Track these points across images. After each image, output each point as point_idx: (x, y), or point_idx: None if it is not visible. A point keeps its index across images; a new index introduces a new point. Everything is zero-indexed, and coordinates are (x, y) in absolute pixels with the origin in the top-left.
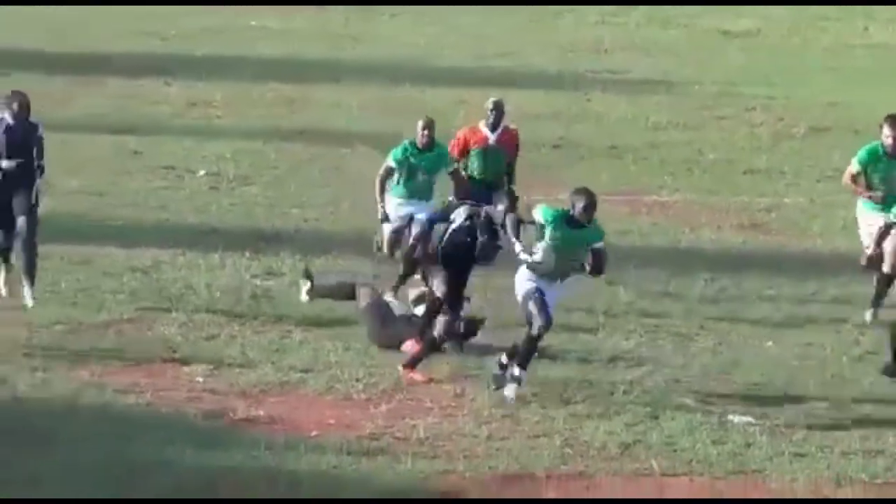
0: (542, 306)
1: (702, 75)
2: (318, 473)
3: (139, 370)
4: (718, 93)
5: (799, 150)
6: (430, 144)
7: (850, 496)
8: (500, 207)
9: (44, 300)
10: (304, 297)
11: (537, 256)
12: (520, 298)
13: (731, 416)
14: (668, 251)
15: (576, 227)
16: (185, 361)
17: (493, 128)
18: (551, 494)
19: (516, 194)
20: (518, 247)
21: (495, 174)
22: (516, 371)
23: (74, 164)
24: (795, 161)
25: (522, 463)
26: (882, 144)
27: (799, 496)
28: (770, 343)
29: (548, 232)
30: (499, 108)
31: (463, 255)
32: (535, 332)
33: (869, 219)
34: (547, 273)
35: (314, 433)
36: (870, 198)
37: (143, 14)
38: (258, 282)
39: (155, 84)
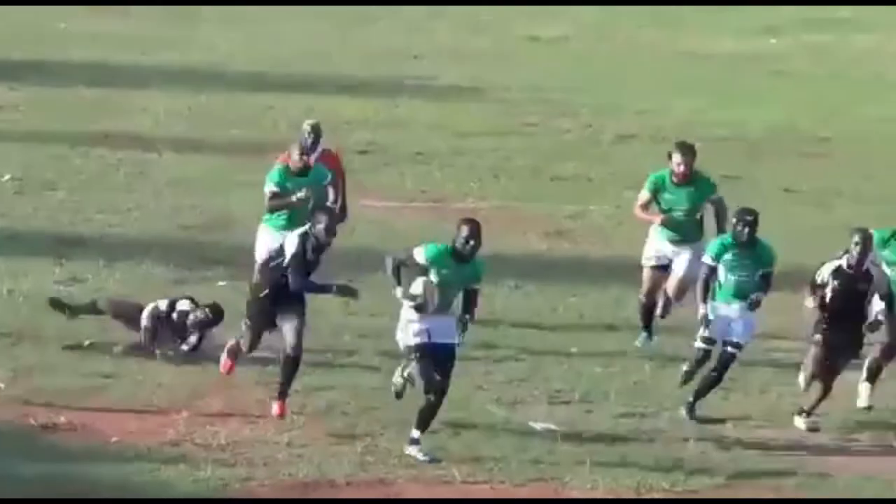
0: (427, 368)
1: (510, 81)
2: (118, 480)
3: None
4: (526, 99)
5: (606, 158)
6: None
7: None
8: (320, 226)
9: None
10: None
11: (420, 300)
12: (402, 346)
13: (532, 423)
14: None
15: (461, 261)
16: None
17: (311, 151)
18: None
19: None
20: (399, 292)
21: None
22: (415, 433)
23: None
24: (602, 168)
25: (323, 470)
26: (670, 172)
27: None
28: (574, 349)
29: (433, 272)
30: (316, 132)
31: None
32: (429, 398)
33: (657, 245)
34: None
35: (114, 440)
36: (662, 222)
37: None
38: (62, 287)
39: None
